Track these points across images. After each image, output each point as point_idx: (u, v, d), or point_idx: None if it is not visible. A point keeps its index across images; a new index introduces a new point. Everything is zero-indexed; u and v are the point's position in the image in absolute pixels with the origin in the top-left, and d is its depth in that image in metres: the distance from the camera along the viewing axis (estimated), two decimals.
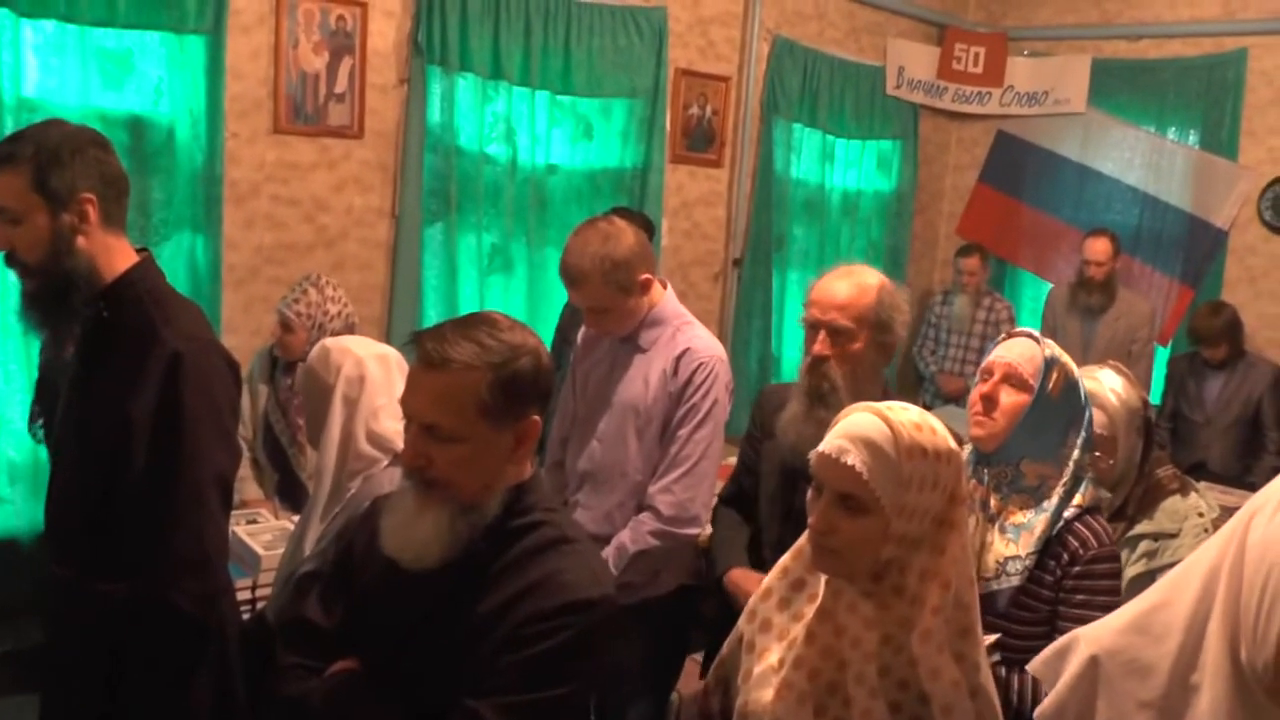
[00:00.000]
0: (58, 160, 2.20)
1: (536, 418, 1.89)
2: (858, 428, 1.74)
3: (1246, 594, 1.62)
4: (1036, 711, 1.84)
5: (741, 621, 1.99)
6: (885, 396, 2.35)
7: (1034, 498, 2.30)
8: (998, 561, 2.26)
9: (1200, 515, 2.92)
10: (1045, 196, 7.20)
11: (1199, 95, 6.57)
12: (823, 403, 2.59)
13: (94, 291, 2.29)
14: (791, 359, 6.66)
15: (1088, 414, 2.38)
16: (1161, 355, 6.39)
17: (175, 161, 4.18)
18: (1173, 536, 2.86)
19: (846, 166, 6.86)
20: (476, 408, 1.80)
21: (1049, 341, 2.38)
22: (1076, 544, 2.26)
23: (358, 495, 2.44)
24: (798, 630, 1.81)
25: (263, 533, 3.31)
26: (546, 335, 3.40)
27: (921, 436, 1.74)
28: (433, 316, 4.90)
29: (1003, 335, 2.47)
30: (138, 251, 2.39)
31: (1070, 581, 2.21)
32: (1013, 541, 2.27)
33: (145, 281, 2.35)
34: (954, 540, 1.77)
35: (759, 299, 6.32)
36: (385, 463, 2.50)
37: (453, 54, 4.75)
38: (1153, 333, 6.19)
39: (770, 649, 1.88)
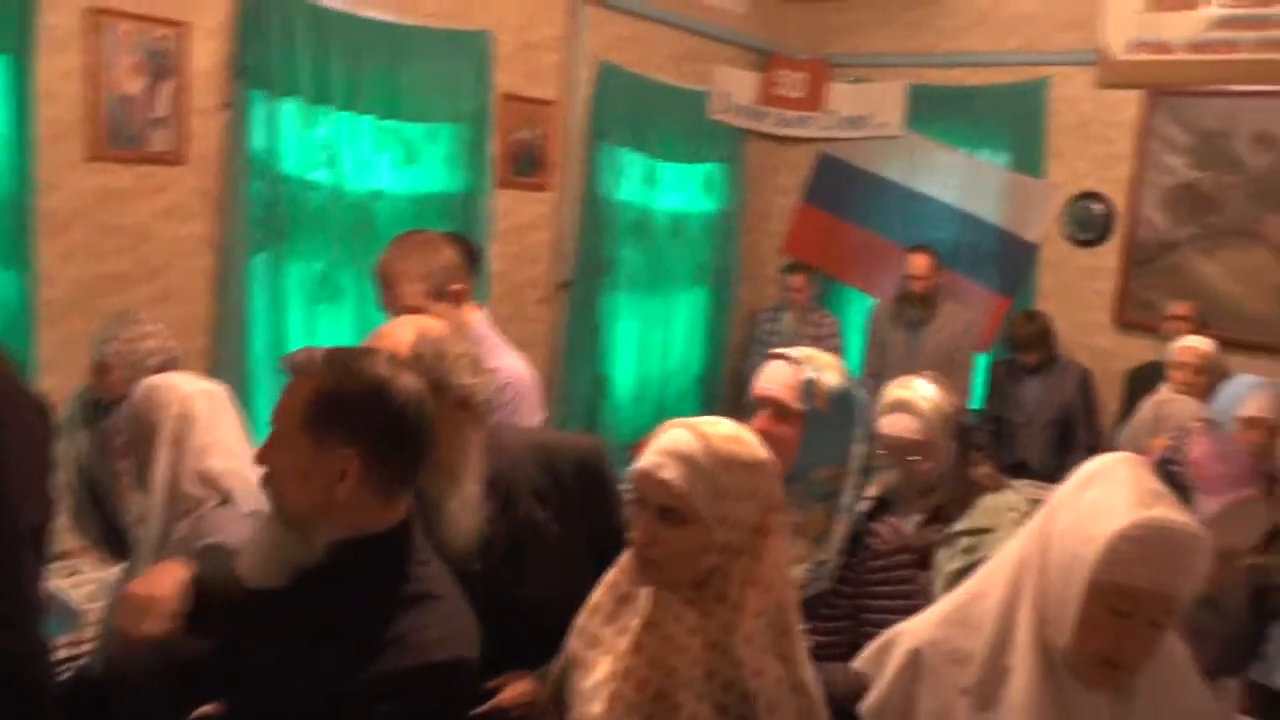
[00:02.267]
0: None
1: (353, 453, 1.78)
2: (674, 443, 1.79)
3: (1050, 582, 1.72)
4: (863, 706, 1.91)
5: (571, 639, 2.02)
6: (497, 451, 2.35)
7: (829, 501, 2.37)
8: (808, 569, 2.33)
9: (1014, 510, 3.05)
10: (868, 215, 7.45)
11: (1009, 120, 6.90)
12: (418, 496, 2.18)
13: None
14: (623, 380, 6.74)
15: (859, 406, 2.45)
16: (983, 362, 6.67)
17: None
18: (989, 532, 2.99)
19: (672, 189, 6.96)
20: (299, 416, 1.78)
21: (805, 355, 2.46)
22: (875, 540, 2.35)
23: (187, 538, 2.37)
24: (625, 643, 1.85)
25: (84, 584, 3.21)
26: None
27: (736, 448, 1.80)
28: (260, 349, 4.77)
29: (765, 361, 2.53)
30: None
31: (872, 575, 2.30)
32: (819, 547, 2.34)
33: None
34: (772, 546, 1.83)
35: (588, 321, 6.36)
36: (214, 502, 2.43)
37: (276, 77, 4.61)
38: (973, 341, 6.46)
39: (599, 663, 1.91)
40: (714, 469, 1.76)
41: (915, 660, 1.87)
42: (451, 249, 3.12)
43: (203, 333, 4.63)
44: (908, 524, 2.99)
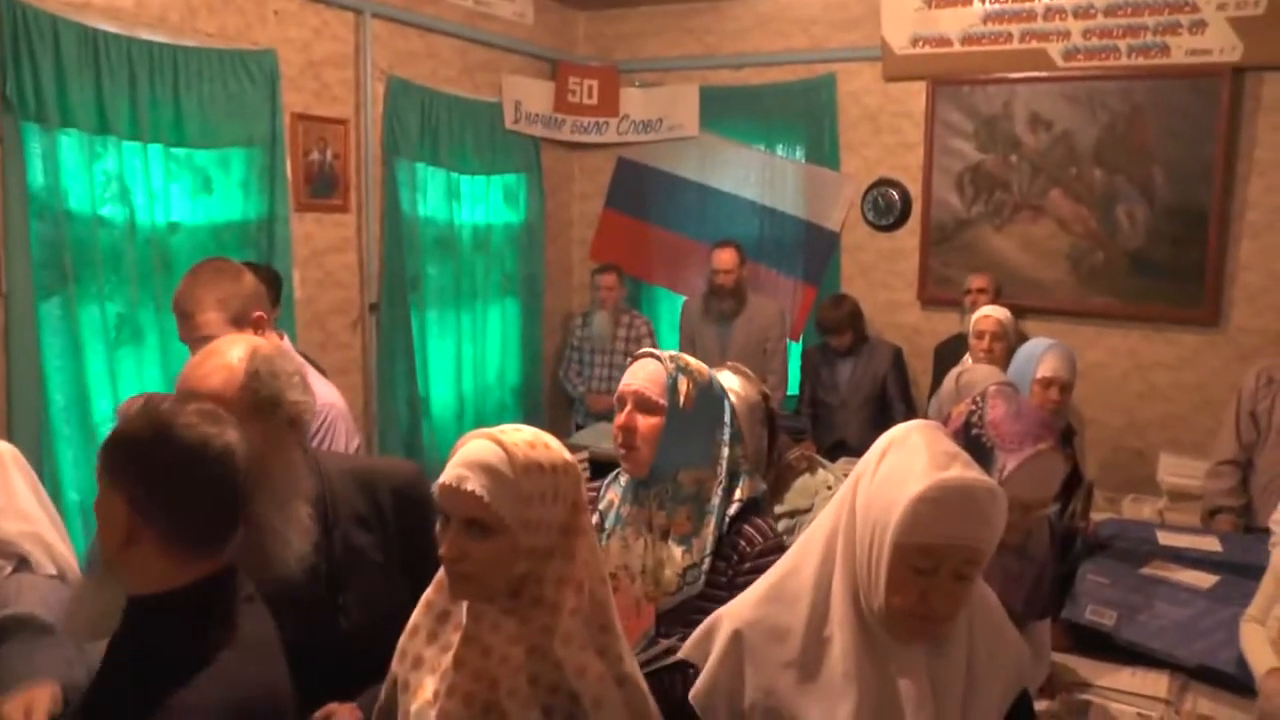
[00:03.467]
0: None
1: (121, 500, 1.70)
2: (474, 454, 1.78)
3: (859, 550, 1.77)
4: (691, 692, 1.93)
5: (394, 664, 1.99)
6: (321, 473, 2.31)
7: (696, 504, 2.40)
8: (678, 574, 2.35)
9: (829, 488, 3.13)
10: (670, 216, 7.58)
11: (800, 116, 7.11)
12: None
13: None
14: (441, 398, 6.68)
15: (728, 410, 2.49)
16: (795, 350, 6.86)
17: None
18: (806, 511, 3.05)
19: (474, 202, 6.93)
20: (99, 460, 1.73)
21: (671, 356, 2.49)
22: (744, 542, 2.38)
23: None
24: (447, 660, 1.83)
25: None
26: None
27: (536, 454, 1.80)
28: (58, 400, 4.52)
29: (629, 360, 2.56)
30: None
31: (743, 578, 2.26)
32: (687, 551, 2.36)
33: None
34: (582, 545, 1.83)
35: (400, 342, 6.27)
36: (9, 570, 2.31)
37: (50, 108, 4.32)
38: (784, 330, 6.62)
39: (424, 684, 1.88)
40: (516, 476, 1.75)
41: (738, 641, 1.90)
42: (250, 275, 3.05)
43: None
44: (794, 523, 3.04)
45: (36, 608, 2.20)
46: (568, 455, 1.85)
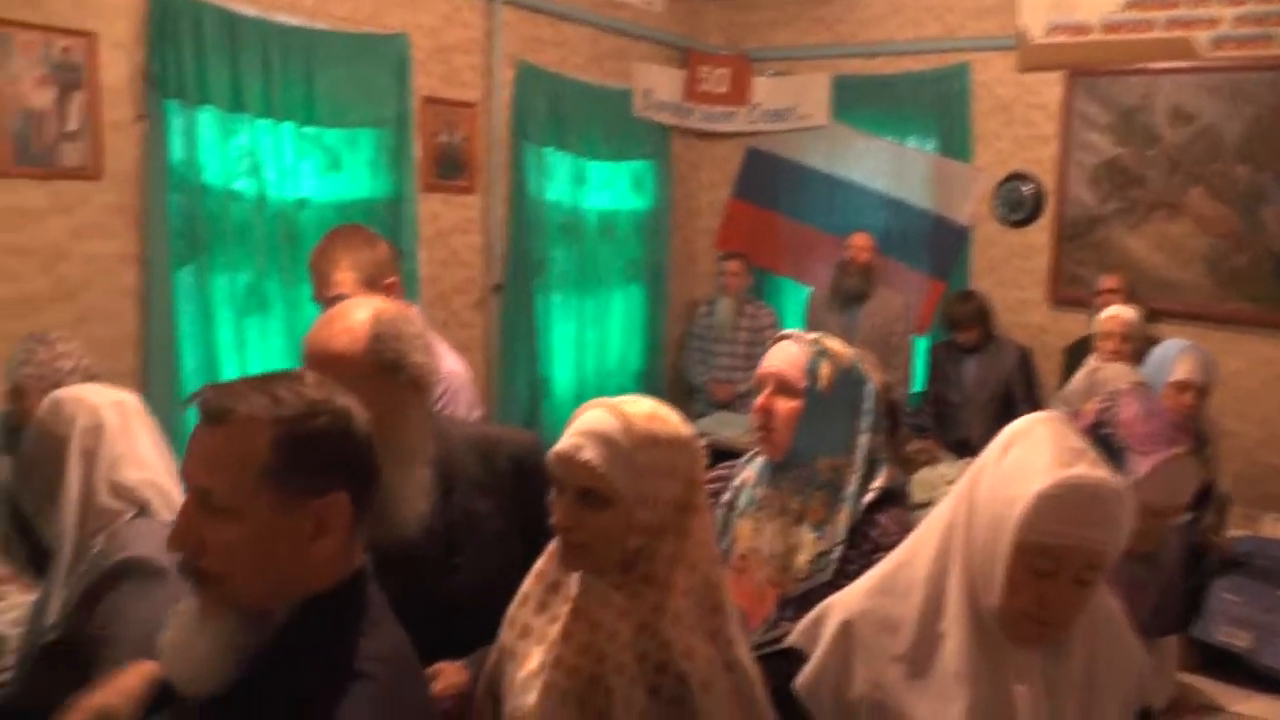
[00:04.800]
0: None
1: (344, 495, 1.55)
2: (591, 423, 1.77)
3: (977, 545, 1.71)
4: (798, 680, 1.89)
5: (503, 631, 1.98)
6: (443, 439, 2.27)
7: (832, 491, 2.35)
8: (809, 561, 2.31)
9: (949, 483, 3.05)
10: (798, 206, 7.48)
11: (932, 106, 6.95)
12: None
13: None
14: (562, 380, 6.71)
15: (868, 396, 2.43)
16: (921, 345, 6.73)
17: None
18: (925, 505, 2.98)
19: (600, 187, 6.93)
20: (257, 471, 1.48)
21: (814, 338, 2.44)
22: (877, 533, 2.32)
23: (102, 553, 2.28)
24: (555, 631, 1.82)
25: (9, 610, 3.13)
26: None
27: (655, 426, 1.78)
28: (190, 365, 4.67)
29: (769, 342, 2.51)
30: None
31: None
32: (820, 538, 2.32)
33: None
34: (696, 523, 1.81)
35: (523, 324, 6.31)
36: (130, 515, 2.34)
37: (191, 86, 4.50)
38: (909, 324, 6.53)
39: (531, 654, 1.87)
40: (633, 447, 1.73)
41: (847, 631, 1.86)
42: (385, 243, 3.10)
43: (129, 352, 4.52)
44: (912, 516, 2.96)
45: (152, 554, 2.21)
46: (687, 430, 1.83)
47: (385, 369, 2.14)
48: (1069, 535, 1.60)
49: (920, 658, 1.77)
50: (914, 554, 1.85)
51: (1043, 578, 1.63)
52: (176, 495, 2.39)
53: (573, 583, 1.85)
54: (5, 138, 4.06)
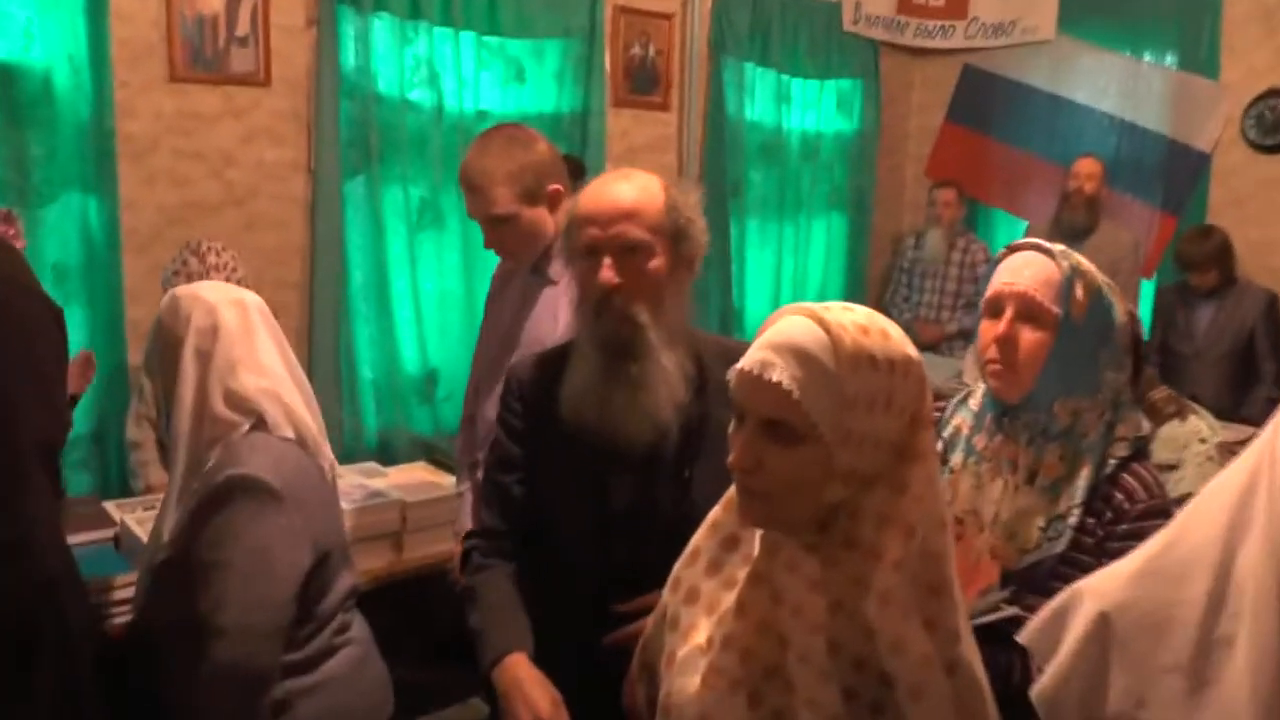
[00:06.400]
0: None
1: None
2: (787, 334, 1.34)
3: None
4: (1033, 692, 1.46)
5: (666, 592, 1.60)
6: (693, 338, 2.05)
7: (1069, 441, 1.89)
8: (1039, 528, 1.86)
9: (1203, 441, 2.55)
10: (1018, 131, 6.86)
11: (1174, 15, 6.21)
12: (626, 353, 1.95)
13: None
14: (756, 312, 6.32)
15: (1115, 321, 1.93)
16: (1148, 289, 6.09)
17: (55, 113, 3.80)
18: (1173, 468, 2.50)
19: (804, 108, 6.50)
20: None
21: (1063, 251, 1.92)
22: (1122, 497, 1.85)
23: (214, 467, 2.08)
24: (729, 600, 1.44)
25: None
26: (484, 294, 3.17)
27: (870, 342, 1.34)
28: (359, 278, 4.58)
29: (1003, 252, 2.04)
30: None
31: (1116, 543, 1.77)
32: (1053, 500, 1.87)
33: None
34: (918, 474, 1.36)
35: (716, 249, 5.89)
36: (245, 427, 2.13)
37: None
38: (1137, 263, 5.87)
39: (698, 625, 1.50)
40: (840, 368, 1.31)
41: (1103, 628, 1.41)
42: (544, 143, 2.77)
43: (296, 261, 4.45)
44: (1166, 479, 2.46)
45: (266, 472, 2.04)
46: (911, 350, 1.39)
47: (674, 234, 1.98)
48: None
49: (1202, 670, 1.32)
50: (1193, 532, 1.39)
51: None
52: (301, 411, 2.22)
53: (753, 540, 1.46)
54: (178, 42, 4.06)
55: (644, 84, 5.60)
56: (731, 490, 1.49)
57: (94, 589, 2.52)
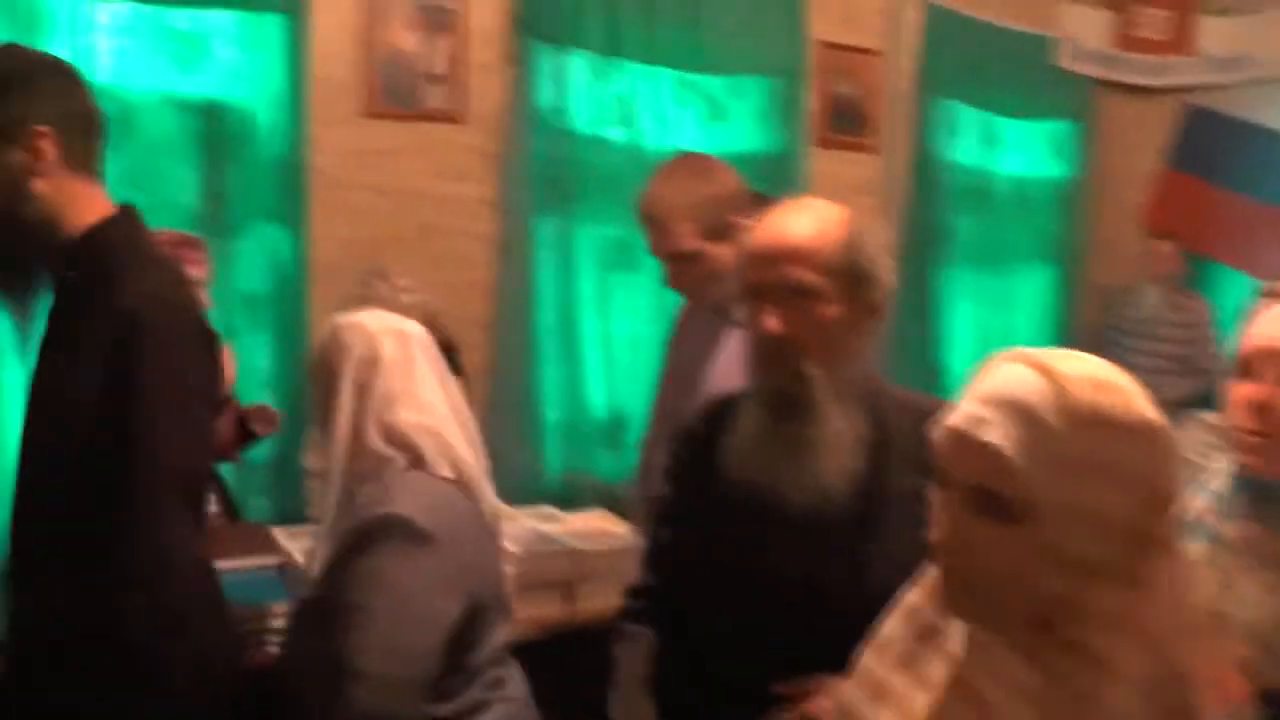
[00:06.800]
0: (4, 87, 1.84)
1: None
2: (1002, 386, 1.14)
3: None
4: None
5: (849, 683, 1.40)
6: (876, 394, 1.83)
7: None
8: None
9: None
10: (1251, 179, 6.37)
11: None
12: (792, 412, 1.78)
13: (55, 246, 1.91)
14: (961, 370, 6.00)
15: None
16: None
17: (254, 149, 3.89)
18: None
19: (1014, 150, 6.22)
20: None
21: None
22: None
23: (366, 504, 2.00)
24: (922, 704, 1.23)
25: None
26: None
27: (1104, 399, 1.13)
28: (548, 318, 4.53)
29: (1260, 300, 1.80)
30: (119, 206, 1.99)
31: None
32: None
33: (119, 237, 1.95)
34: (1162, 570, 1.13)
35: (916, 300, 5.69)
36: (401, 464, 2.04)
37: (562, 29, 4.40)
38: None
39: None
40: (1068, 431, 1.10)
41: None
42: (730, 174, 2.66)
43: (483, 300, 4.42)
44: None
45: (418, 513, 1.95)
46: (1153, 413, 1.18)
47: (853, 276, 1.77)
48: None
49: None
50: None
51: None
52: (462, 450, 2.13)
53: (955, 634, 1.25)
54: (373, 80, 4.14)
55: (847, 124, 5.44)
56: (931, 572, 1.29)
57: (250, 616, 2.53)
